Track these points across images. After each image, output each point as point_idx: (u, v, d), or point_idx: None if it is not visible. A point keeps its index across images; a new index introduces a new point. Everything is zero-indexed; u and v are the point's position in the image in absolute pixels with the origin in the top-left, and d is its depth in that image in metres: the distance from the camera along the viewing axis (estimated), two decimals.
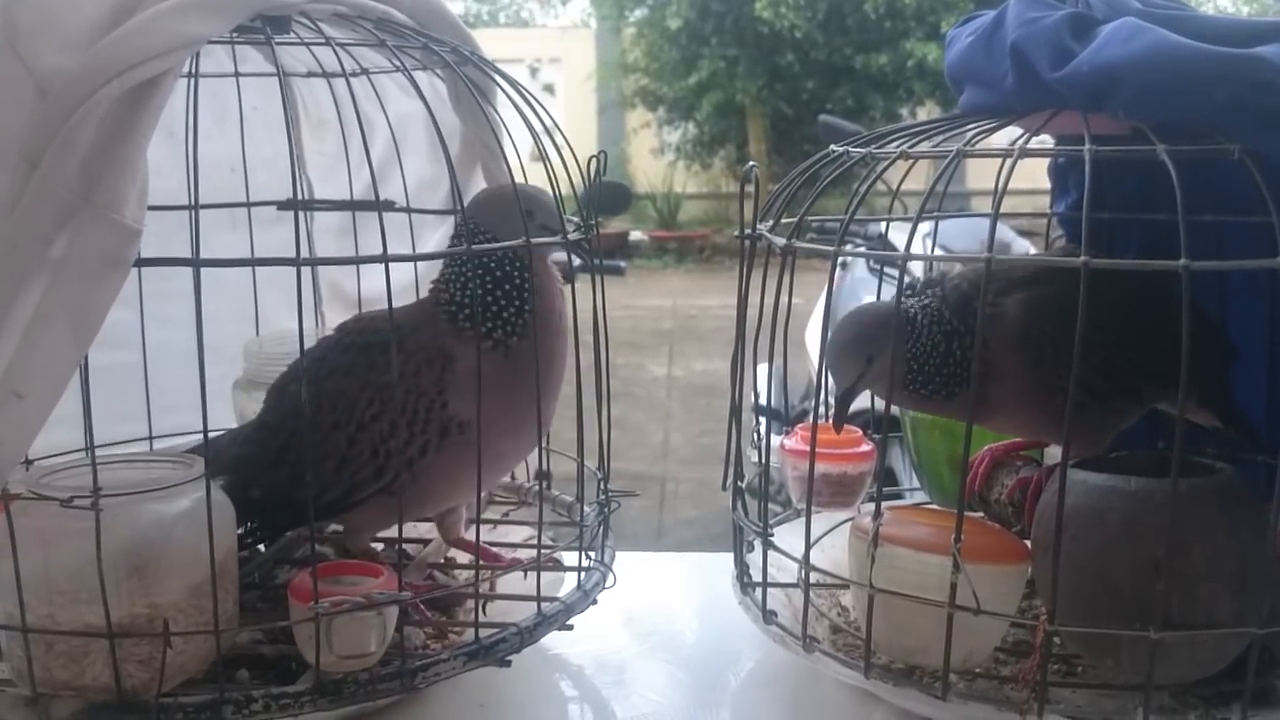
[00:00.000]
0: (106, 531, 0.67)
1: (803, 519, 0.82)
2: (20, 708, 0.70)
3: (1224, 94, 0.69)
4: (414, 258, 0.86)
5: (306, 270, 1.10)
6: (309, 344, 0.90)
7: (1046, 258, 0.75)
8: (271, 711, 0.70)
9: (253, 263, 0.72)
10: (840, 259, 0.81)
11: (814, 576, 0.81)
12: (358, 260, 0.78)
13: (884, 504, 0.78)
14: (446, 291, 0.84)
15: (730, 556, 0.92)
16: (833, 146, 0.86)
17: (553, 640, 0.87)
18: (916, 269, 1.74)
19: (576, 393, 0.87)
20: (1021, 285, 0.84)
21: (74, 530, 0.67)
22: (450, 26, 0.89)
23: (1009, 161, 0.72)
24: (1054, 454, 0.95)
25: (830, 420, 0.88)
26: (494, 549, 0.94)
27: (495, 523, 1.04)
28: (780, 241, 0.82)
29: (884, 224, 1.19)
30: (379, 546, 0.91)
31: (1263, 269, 0.66)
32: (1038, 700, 0.70)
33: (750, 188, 0.86)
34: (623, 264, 4.04)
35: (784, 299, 0.85)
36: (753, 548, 0.90)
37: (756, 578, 0.87)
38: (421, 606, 0.85)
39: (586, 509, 0.94)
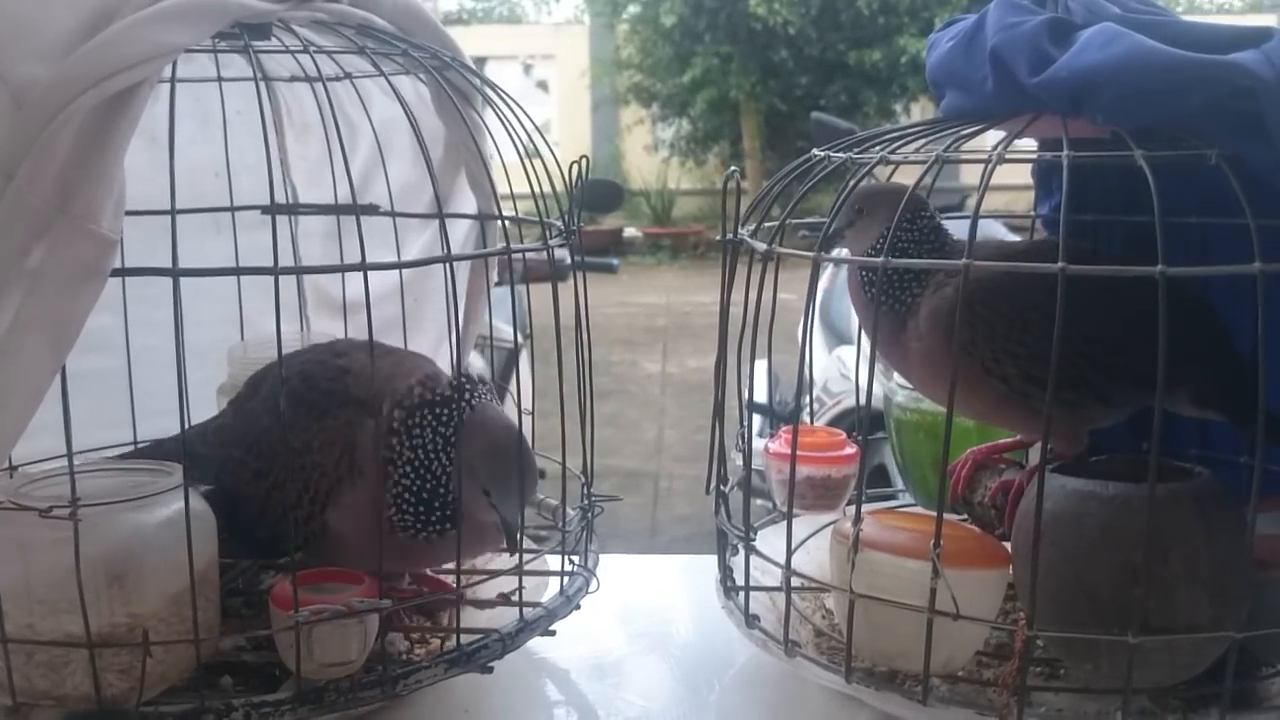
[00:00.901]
0: (86, 541, 0.67)
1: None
2: (1, 717, 0.70)
3: (1201, 100, 0.70)
4: (393, 265, 0.86)
5: (290, 278, 1.11)
6: (294, 349, 0.90)
7: (1025, 265, 0.75)
8: (252, 719, 0.70)
9: (230, 272, 0.72)
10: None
11: (796, 580, 0.81)
12: (338, 269, 0.77)
13: (868, 507, 0.78)
14: (397, 436, 0.79)
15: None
16: (814, 151, 0.86)
17: (538, 644, 0.86)
18: None
19: (559, 396, 0.87)
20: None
21: (53, 540, 0.67)
22: (432, 31, 0.89)
23: (989, 168, 0.72)
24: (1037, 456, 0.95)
25: (811, 422, 0.88)
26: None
27: None
28: (761, 246, 0.82)
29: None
30: None
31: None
32: (1018, 704, 0.70)
33: (733, 192, 0.86)
34: (615, 261, 4.03)
35: (768, 302, 0.85)
36: (737, 551, 0.90)
37: (740, 581, 0.87)
38: (403, 615, 0.84)
39: (570, 512, 0.94)
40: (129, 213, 0.75)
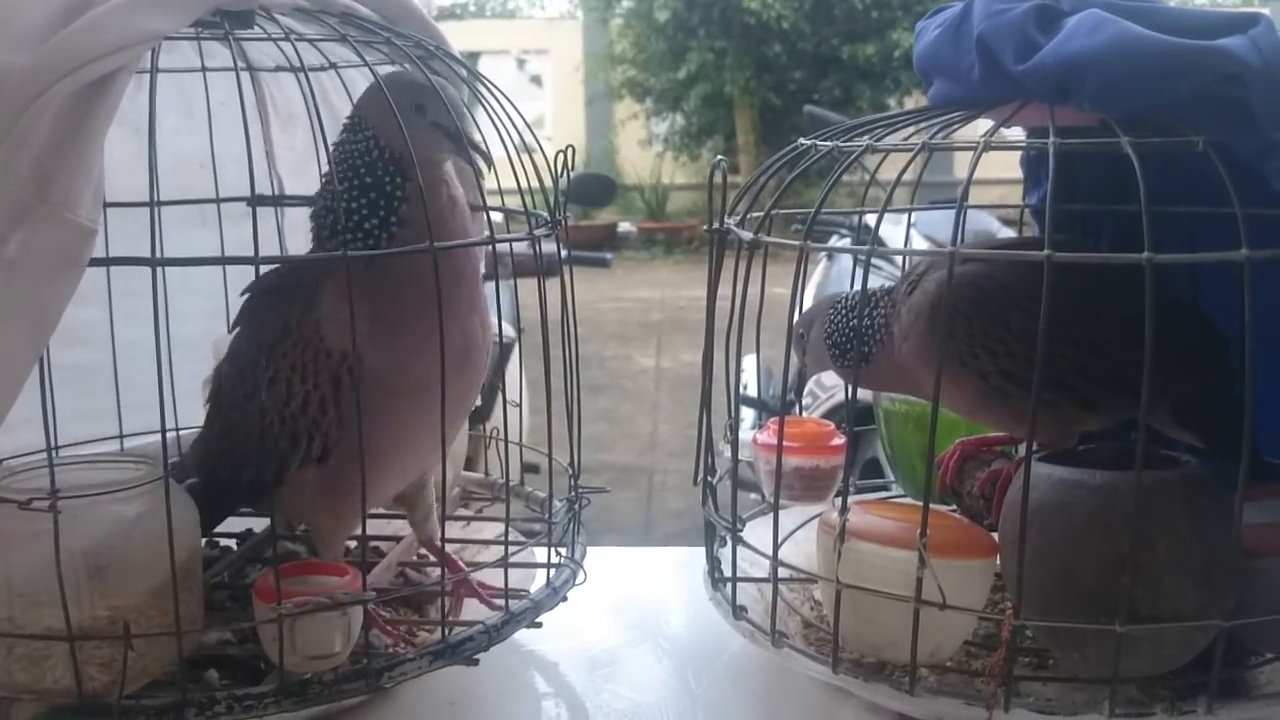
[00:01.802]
0: (66, 533, 0.66)
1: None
2: None
3: (1188, 86, 0.69)
4: (375, 254, 0.85)
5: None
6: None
7: (1010, 253, 0.75)
8: (235, 713, 0.69)
9: (212, 262, 0.71)
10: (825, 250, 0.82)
11: (784, 571, 0.81)
12: (320, 258, 0.76)
13: (856, 498, 0.78)
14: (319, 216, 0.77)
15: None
16: (800, 140, 0.85)
17: (526, 636, 0.86)
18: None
19: (546, 388, 0.87)
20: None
21: (33, 532, 0.66)
22: (416, 20, 0.89)
23: (975, 155, 0.72)
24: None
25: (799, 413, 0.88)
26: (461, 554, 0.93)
27: (469, 519, 1.04)
28: (747, 236, 0.81)
29: (865, 215, 1.19)
30: (352, 544, 0.91)
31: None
32: (1006, 694, 0.70)
33: (720, 182, 0.85)
34: (608, 256, 4.01)
35: (755, 292, 0.84)
36: (725, 543, 0.90)
37: (728, 573, 0.87)
38: (382, 611, 0.84)
39: (557, 504, 0.93)
40: (112, 204, 0.74)
